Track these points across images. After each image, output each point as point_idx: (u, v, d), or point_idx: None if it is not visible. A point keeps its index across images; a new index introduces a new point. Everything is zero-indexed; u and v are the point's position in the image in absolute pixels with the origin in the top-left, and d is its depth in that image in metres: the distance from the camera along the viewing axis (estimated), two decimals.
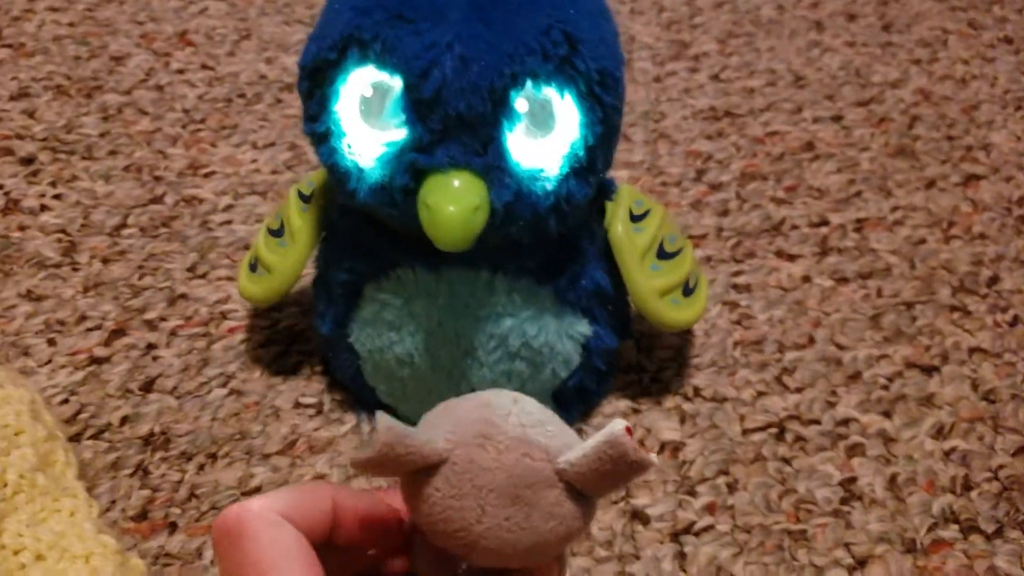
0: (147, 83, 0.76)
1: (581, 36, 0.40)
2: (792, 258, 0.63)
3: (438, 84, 0.38)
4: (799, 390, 0.54)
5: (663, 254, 0.49)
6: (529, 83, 0.39)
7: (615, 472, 0.27)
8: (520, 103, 0.40)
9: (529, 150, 0.41)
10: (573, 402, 0.51)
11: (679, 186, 0.68)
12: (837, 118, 0.75)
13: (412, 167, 0.40)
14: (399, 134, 0.40)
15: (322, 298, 0.49)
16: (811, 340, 0.57)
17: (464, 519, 0.28)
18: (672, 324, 0.49)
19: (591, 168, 0.42)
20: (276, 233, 0.50)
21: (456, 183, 0.39)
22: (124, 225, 0.64)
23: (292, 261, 0.49)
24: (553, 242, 0.45)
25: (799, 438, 0.52)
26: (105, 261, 0.61)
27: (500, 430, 0.28)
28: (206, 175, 0.68)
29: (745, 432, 0.52)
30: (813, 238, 0.64)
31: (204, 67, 0.78)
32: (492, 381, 0.47)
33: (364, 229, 0.45)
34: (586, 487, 0.28)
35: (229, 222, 0.64)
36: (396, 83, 0.40)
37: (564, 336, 0.47)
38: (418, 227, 0.40)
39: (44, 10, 0.84)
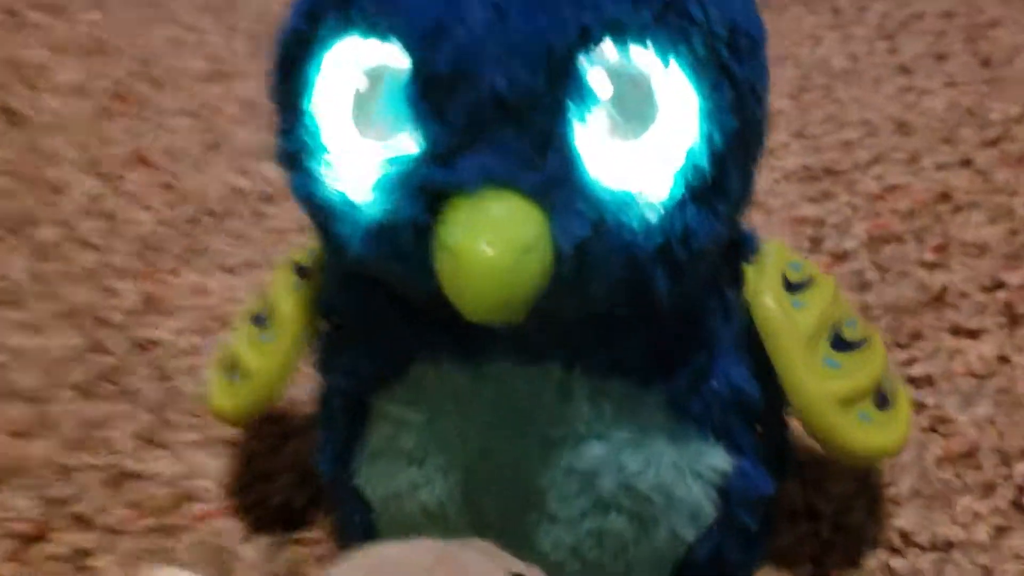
0: (92, 211, 0.60)
1: None
2: (974, 334, 0.46)
3: (460, 49, 0.25)
4: None
5: (841, 344, 0.33)
6: (610, 42, 0.25)
7: None
8: (596, 76, 0.25)
9: (615, 157, 0.26)
10: None
11: None
12: (966, 162, 0.59)
13: (424, 189, 0.26)
14: (406, 142, 0.26)
15: (321, 421, 0.36)
16: None
17: None
18: (862, 451, 0.32)
19: (721, 189, 0.27)
20: (259, 320, 0.36)
21: (495, 210, 0.25)
22: (53, 385, 0.47)
23: (278, 360, 0.34)
24: (664, 316, 0.29)
25: None
26: (23, 436, 0.43)
27: None
28: (165, 312, 0.51)
29: None
30: (992, 306, 0.47)
31: (164, 187, 0.62)
32: (572, 548, 0.32)
33: (367, 303, 0.31)
34: None
35: (194, 368, 0.48)
36: (398, 58, 0.26)
37: (688, 473, 0.31)
38: (438, 290, 0.25)
39: None
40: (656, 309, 0.28)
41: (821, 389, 0.31)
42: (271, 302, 0.36)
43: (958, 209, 0.55)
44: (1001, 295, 0.48)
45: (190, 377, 0.47)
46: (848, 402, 0.32)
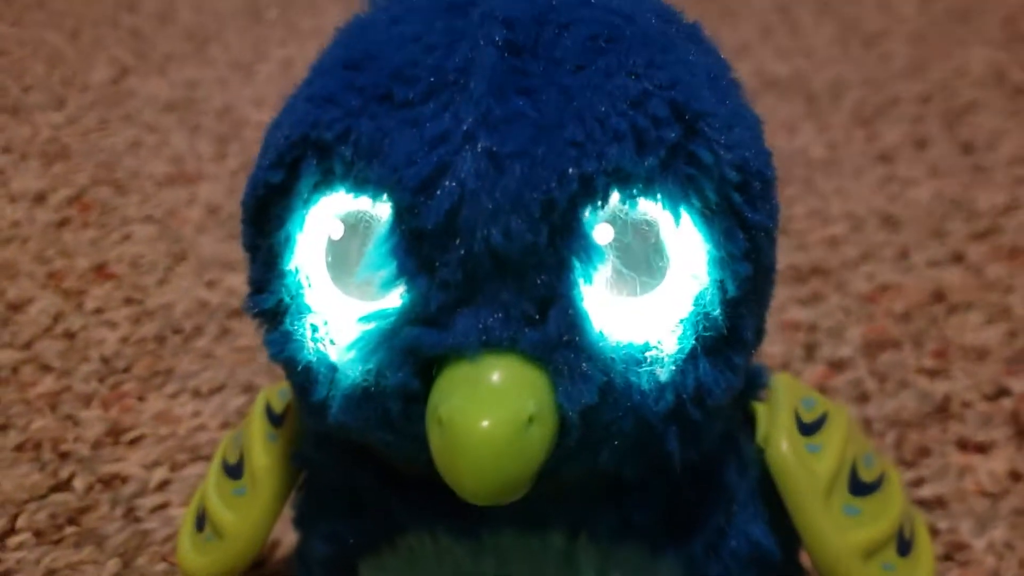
0: (52, 331, 0.57)
1: (702, 109, 0.23)
2: (983, 449, 0.44)
3: (452, 202, 0.22)
4: None
5: (859, 487, 0.30)
6: (616, 193, 0.23)
7: None
8: (601, 230, 0.23)
9: (622, 312, 0.24)
10: None
11: (788, 368, 0.49)
12: (958, 258, 0.58)
13: (414, 352, 0.23)
14: (392, 299, 0.24)
15: None
16: None
17: None
18: None
19: (735, 339, 0.24)
20: (232, 472, 0.33)
21: (494, 377, 0.22)
22: (11, 531, 0.43)
23: (252, 520, 0.31)
24: (677, 477, 0.26)
25: None
26: None
27: None
28: (131, 442, 0.48)
29: None
30: (999, 416, 0.45)
31: (128, 301, 0.59)
32: None
33: (349, 467, 0.28)
34: None
35: (164, 506, 0.44)
36: (381, 210, 0.23)
37: None
38: (429, 464, 0.23)
39: None
40: (668, 470, 0.25)
41: (844, 544, 0.28)
42: (246, 453, 0.32)
43: (954, 310, 0.53)
44: (1006, 403, 0.46)
45: (160, 516, 0.44)
46: (871, 554, 0.29)
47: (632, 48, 0.23)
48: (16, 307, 0.60)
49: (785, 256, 0.59)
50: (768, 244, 0.25)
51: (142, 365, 0.54)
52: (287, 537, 0.40)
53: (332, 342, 0.24)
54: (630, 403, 0.23)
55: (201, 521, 0.33)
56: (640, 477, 0.26)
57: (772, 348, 0.51)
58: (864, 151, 0.72)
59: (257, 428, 0.32)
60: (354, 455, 0.28)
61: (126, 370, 0.54)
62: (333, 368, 0.24)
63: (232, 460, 0.33)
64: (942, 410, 0.46)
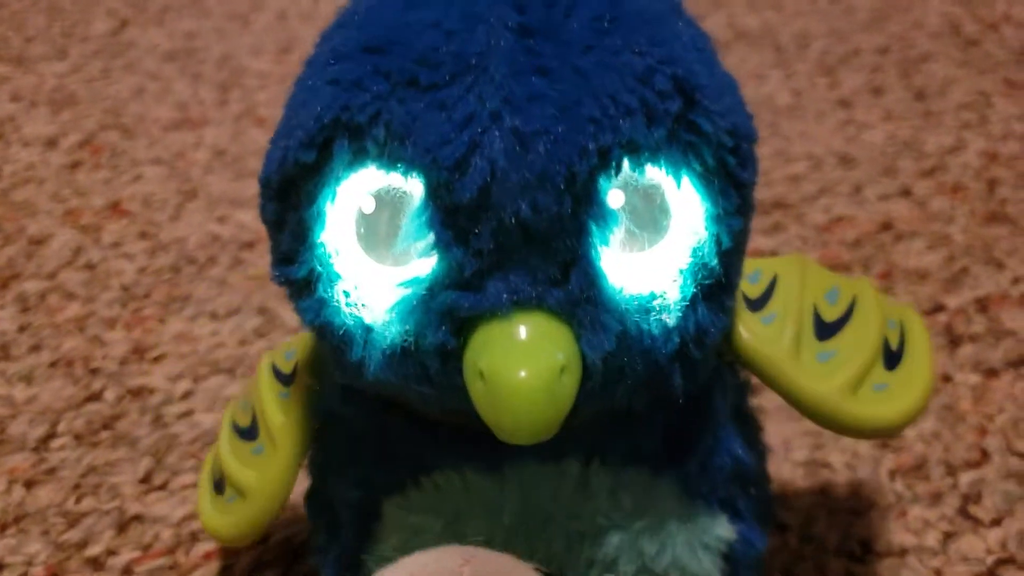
0: (75, 263, 0.62)
1: (699, 82, 0.26)
2: None
3: (484, 179, 0.24)
4: (997, 522, 0.40)
5: (826, 330, 0.32)
6: (627, 162, 0.25)
7: None
8: (614, 196, 0.26)
9: (632, 266, 0.26)
10: None
11: None
12: (905, 192, 0.63)
13: (451, 314, 0.25)
14: (425, 265, 0.26)
15: (321, 526, 0.34)
16: (984, 453, 0.43)
17: None
18: (886, 425, 0.30)
19: (728, 286, 0.27)
20: (247, 434, 0.34)
21: (525, 332, 0.25)
22: (52, 435, 0.48)
23: (276, 477, 0.32)
24: (675, 407, 0.30)
25: None
26: (29, 485, 0.45)
27: None
28: (155, 359, 0.53)
29: None
30: (934, 328, 0.51)
31: (143, 236, 0.64)
32: None
33: (378, 418, 0.30)
34: None
35: (189, 413, 0.49)
36: (414, 187, 0.26)
37: (698, 548, 0.31)
38: (468, 411, 0.25)
39: None
40: (671, 402, 0.29)
41: (826, 391, 0.30)
42: (259, 414, 0.34)
43: (900, 238, 0.59)
44: (942, 317, 0.52)
45: (185, 422, 0.49)
46: (857, 385, 0.30)
47: (633, 27, 0.26)
48: (38, 241, 0.64)
49: None
50: (753, 201, 0.28)
51: (160, 292, 0.59)
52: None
53: (364, 306, 0.27)
54: (642, 347, 0.26)
55: (220, 485, 0.35)
56: (646, 409, 0.29)
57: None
58: (826, 97, 0.77)
59: (267, 389, 0.34)
60: (382, 407, 0.30)
61: (146, 296, 0.58)
62: (368, 330, 0.26)
63: (244, 423, 0.35)
64: None
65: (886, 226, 0.60)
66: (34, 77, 0.85)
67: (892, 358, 0.32)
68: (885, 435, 0.32)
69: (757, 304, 0.32)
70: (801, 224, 0.61)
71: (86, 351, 0.54)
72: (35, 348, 0.55)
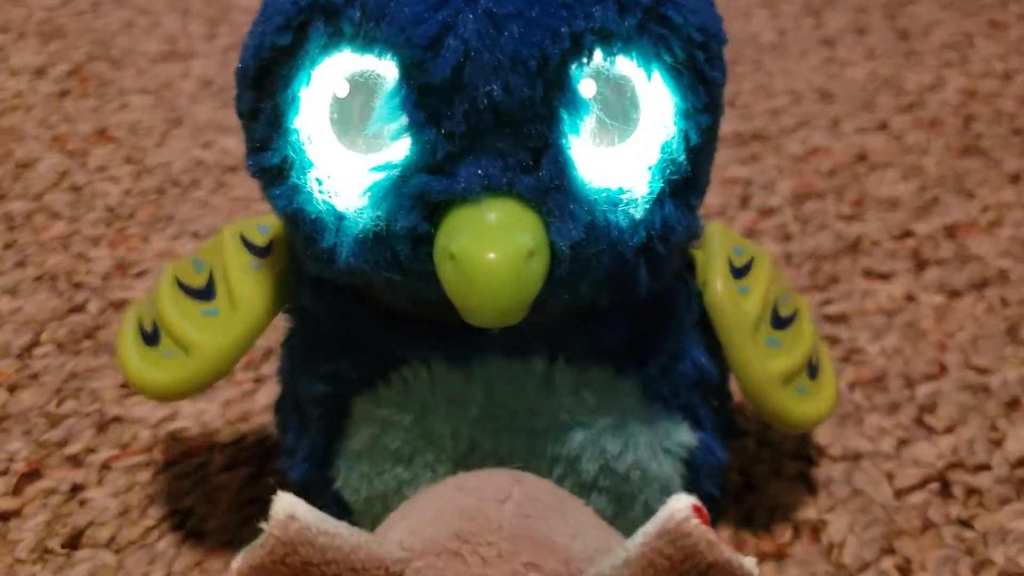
0: (60, 185, 0.63)
1: None
2: (885, 277, 0.50)
3: (457, 59, 0.25)
4: (950, 429, 0.41)
5: (779, 321, 0.34)
6: (599, 50, 0.26)
7: None
8: (586, 85, 0.26)
9: (602, 159, 0.27)
10: None
11: (723, 215, 0.56)
12: (882, 126, 0.64)
13: (423, 198, 0.26)
14: (397, 151, 0.26)
15: (290, 426, 0.35)
16: (943, 368, 0.44)
17: None
18: (800, 422, 0.34)
19: (694, 184, 0.28)
20: (200, 294, 0.34)
21: (494, 216, 0.25)
22: (36, 343, 0.49)
23: (231, 339, 0.32)
24: (639, 307, 0.31)
25: (972, 491, 0.38)
26: (12, 389, 0.46)
27: (489, 526, 0.22)
28: (137, 274, 0.54)
29: (899, 494, 0.38)
30: (902, 252, 0.52)
31: (129, 160, 0.65)
32: None
33: (347, 311, 0.31)
34: None
35: None
36: (387, 68, 0.26)
37: (659, 451, 0.32)
38: (437, 297, 0.26)
39: None
40: (634, 299, 0.30)
41: (767, 371, 0.32)
42: (219, 279, 0.34)
43: (874, 168, 0.60)
44: (910, 243, 0.53)
45: None
46: (789, 379, 0.33)
47: None
48: (25, 165, 0.65)
49: (730, 124, 0.66)
50: (721, 99, 0.29)
51: (144, 213, 0.60)
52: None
53: (336, 193, 0.27)
54: (609, 239, 0.27)
55: (152, 338, 0.34)
56: (609, 307, 0.30)
57: (712, 199, 0.57)
58: (810, 36, 0.77)
59: (233, 255, 0.34)
60: (351, 300, 0.30)
61: (130, 216, 0.59)
62: (340, 217, 0.27)
63: (196, 283, 0.34)
64: (854, 248, 0.52)
65: (861, 157, 0.61)
66: (23, 9, 0.85)
67: (812, 370, 0.35)
68: (793, 430, 0.35)
69: (738, 274, 0.34)
70: (778, 155, 0.62)
71: (70, 266, 0.55)
72: (20, 264, 0.56)
